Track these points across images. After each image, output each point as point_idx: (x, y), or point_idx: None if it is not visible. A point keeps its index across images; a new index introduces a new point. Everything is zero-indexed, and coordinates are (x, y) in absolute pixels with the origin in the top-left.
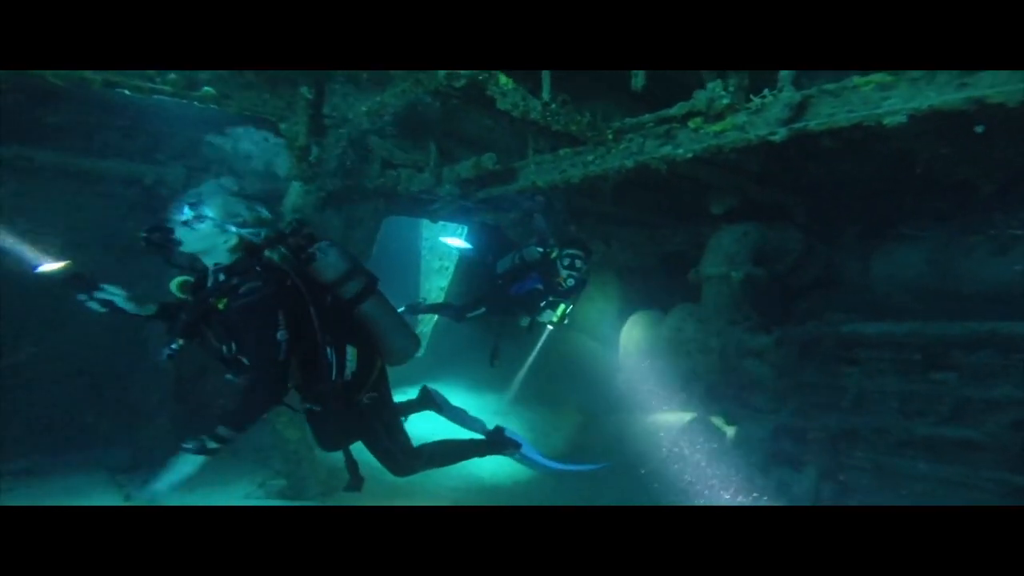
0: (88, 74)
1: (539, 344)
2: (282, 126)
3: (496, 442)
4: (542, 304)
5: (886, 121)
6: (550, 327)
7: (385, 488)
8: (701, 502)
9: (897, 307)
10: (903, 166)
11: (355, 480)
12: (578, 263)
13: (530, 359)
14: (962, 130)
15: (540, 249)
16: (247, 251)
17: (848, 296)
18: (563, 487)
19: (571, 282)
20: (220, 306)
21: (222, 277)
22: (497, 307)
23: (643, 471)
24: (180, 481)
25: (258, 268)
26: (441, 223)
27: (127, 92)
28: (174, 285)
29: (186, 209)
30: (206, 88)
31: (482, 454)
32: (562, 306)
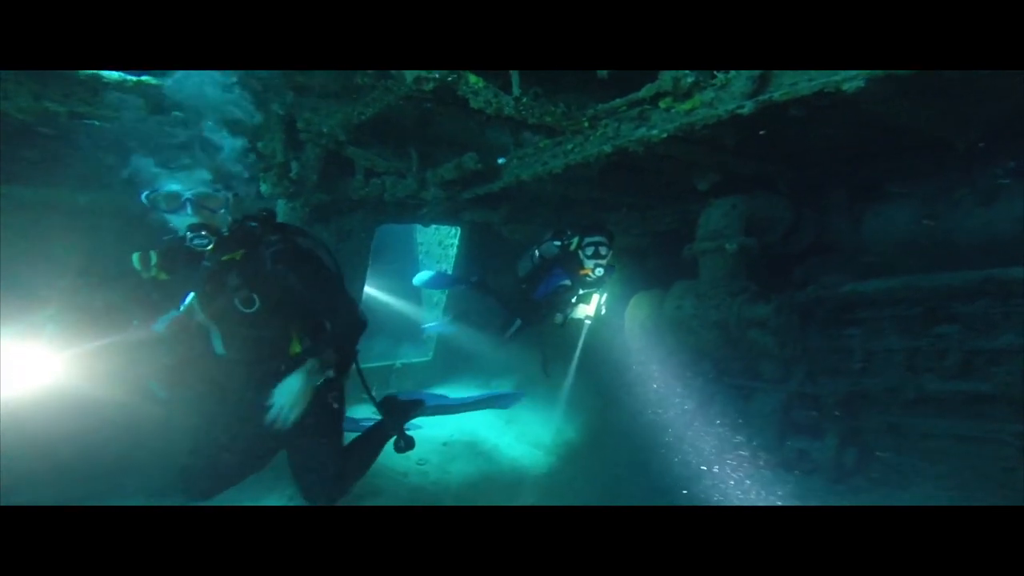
0: (49, 106)
1: (581, 342)
2: (259, 144)
3: (397, 413)
4: (573, 300)
5: (845, 87)
6: (588, 322)
7: (406, 491)
8: (718, 479)
9: (892, 265)
10: (878, 128)
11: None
12: (603, 250)
13: (575, 359)
14: (924, 91)
15: (558, 243)
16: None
17: (843, 258)
18: (583, 475)
19: (599, 271)
20: (237, 257)
21: (251, 225)
22: (528, 315)
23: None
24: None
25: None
26: (434, 227)
27: (96, 123)
28: (138, 259)
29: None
30: (175, 112)
31: (391, 434)
32: (595, 297)
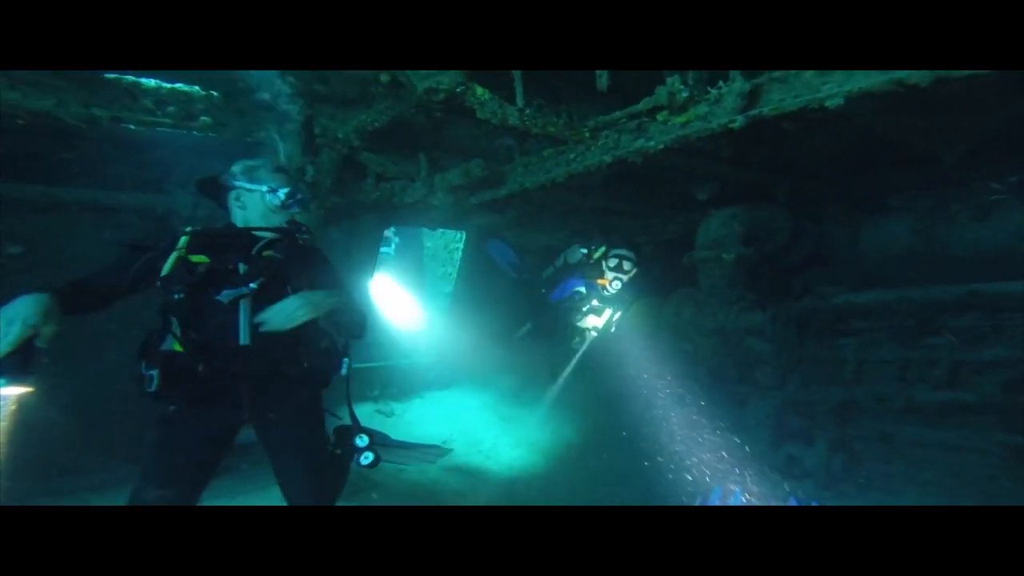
0: (96, 112)
1: (581, 351)
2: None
3: (352, 438)
4: (584, 309)
5: (827, 104)
6: (593, 334)
7: (406, 486)
8: (712, 485)
9: (889, 277)
10: (871, 142)
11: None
12: (626, 265)
13: (569, 367)
14: (901, 107)
15: (584, 249)
16: None
17: (841, 270)
18: (579, 478)
19: (618, 284)
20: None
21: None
22: (542, 319)
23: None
24: None
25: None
26: (440, 232)
27: (132, 127)
28: (186, 242)
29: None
30: (203, 118)
31: (348, 462)
32: (608, 311)
